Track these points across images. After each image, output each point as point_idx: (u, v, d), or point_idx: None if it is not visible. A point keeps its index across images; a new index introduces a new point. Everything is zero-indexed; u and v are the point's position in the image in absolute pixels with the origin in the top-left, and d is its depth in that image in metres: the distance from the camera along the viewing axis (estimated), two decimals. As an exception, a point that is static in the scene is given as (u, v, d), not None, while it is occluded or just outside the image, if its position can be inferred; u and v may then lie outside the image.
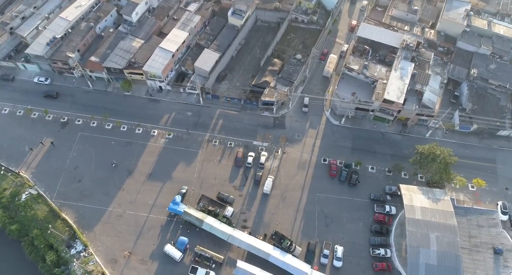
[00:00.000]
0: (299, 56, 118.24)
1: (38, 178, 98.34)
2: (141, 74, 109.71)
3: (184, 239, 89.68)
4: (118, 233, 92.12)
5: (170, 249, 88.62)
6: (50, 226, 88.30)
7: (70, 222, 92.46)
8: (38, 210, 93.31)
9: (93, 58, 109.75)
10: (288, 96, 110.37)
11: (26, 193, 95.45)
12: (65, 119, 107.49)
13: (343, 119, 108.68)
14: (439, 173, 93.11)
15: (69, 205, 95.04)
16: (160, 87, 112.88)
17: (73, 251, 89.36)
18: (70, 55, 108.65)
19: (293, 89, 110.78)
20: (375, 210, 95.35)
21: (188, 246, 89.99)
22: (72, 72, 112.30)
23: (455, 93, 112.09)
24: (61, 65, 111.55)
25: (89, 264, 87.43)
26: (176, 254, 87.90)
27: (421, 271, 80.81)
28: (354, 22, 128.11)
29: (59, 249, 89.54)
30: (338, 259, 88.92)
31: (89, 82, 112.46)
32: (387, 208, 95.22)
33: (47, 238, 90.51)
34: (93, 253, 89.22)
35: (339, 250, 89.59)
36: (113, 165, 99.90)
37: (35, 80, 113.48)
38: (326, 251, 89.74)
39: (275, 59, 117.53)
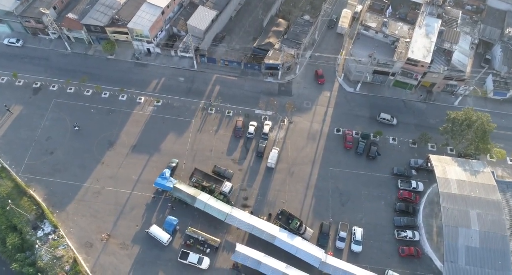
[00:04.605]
0: (307, 17, 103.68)
1: (3, 150, 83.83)
2: (126, 33, 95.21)
3: (173, 219, 75.18)
4: (95, 212, 77.66)
5: (156, 230, 74.15)
6: (10, 201, 73.43)
7: (38, 199, 77.99)
8: (1, 186, 78.72)
9: (70, 15, 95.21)
10: (295, 59, 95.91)
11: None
12: (38, 85, 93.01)
13: (359, 85, 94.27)
14: (475, 142, 78.77)
15: (38, 180, 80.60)
16: (148, 49, 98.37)
17: (40, 233, 74.83)
18: (44, 11, 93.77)
19: (301, 51, 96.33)
20: (399, 186, 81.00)
21: (178, 227, 75.59)
22: (47, 32, 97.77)
23: (486, 56, 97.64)
24: (35, 24, 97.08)
25: (59, 248, 72.90)
26: (164, 236, 73.48)
27: (461, 255, 66.30)
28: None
29: (23, 230, 75.13)
30: (357, 242, 74.49)
31: (67, 44, 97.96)
32: (413, 183, 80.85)
33: (10, 218, 76.07)
34: (64, 236, 74.73)
35: (358, 232, 75.15)
36: (76, 128, 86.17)
37: (5, 42, 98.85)
38: (342, 234, 75.28)
39: (280, 20, 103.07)
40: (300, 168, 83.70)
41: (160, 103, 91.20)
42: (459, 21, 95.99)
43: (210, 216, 75.37)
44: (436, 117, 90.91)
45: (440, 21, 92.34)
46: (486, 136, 78.59)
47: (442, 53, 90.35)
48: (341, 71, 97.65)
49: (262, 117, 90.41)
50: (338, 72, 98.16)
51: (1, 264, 75.78)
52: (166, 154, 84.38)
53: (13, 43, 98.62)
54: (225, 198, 78.23)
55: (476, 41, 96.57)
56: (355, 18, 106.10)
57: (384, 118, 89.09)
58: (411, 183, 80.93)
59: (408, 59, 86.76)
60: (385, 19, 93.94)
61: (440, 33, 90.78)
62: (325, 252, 72.54)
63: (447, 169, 75.39)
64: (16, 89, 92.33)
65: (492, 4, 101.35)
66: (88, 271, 71.57)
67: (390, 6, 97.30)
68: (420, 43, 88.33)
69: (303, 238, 74.01)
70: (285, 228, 74.61)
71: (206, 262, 71.74)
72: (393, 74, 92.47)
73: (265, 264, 69.22)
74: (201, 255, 72.28)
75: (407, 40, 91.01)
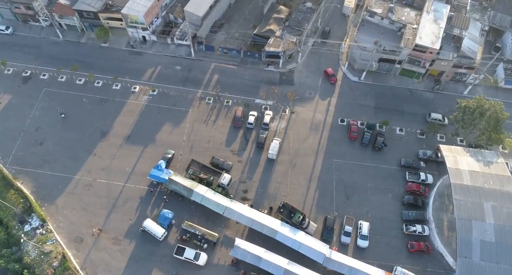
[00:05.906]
0: (309, 3, 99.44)
1: (-10, 140, 79.92)
2: (120, 19, 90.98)
3: (168, 212, 71.02)
4: (85, 206, 73.47)
5: (150, 225, 69.97)
6: (-5, 194, 69.48)
7: (26, 192, 73.73)
8: (-14, 178, 74.77)
9: (62, 1, 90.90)
10: (297, 47, 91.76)
11: (-27, 157, 76.94)
12: (28, 74, 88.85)
13: (364, 74, 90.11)
14: (487, 132, 74.65)
15: (27, 172, 76.40)
16: (144, 37, 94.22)
17: (27, 228, 70.58)
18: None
19: (303, 39, 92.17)
20: (407, 178, 76.91)
21: (173, 221, 71.45)
22: (38, 18, 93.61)
23: (497, 44, 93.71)
24: (25, 11, 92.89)
25: (47, 243, 68.63)
26: (158, 231, 69.29)
27: (475, 250, 62.11)
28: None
29: (9, 225, 70.93)
30: (364, 237, 70.31)
31: (58, 31, 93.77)
32: (422, 175, 76.70)
33: (-4, 211, 71.99)
34: (53, 230, 70.51)
35: (365, 226, 70.96)
36: (62, 115, 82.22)
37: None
38: (348, 228, 71.09)
39: (281, 6, 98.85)
40: (302, 160, 79.57)
41: (155, 93, 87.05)
42: (468, 7, 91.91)
43: (207, 210, 71.23)
44: (445, 107, 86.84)
45: (448, 6, 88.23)
46: (499, 126, 74.58)
47: (451, 39, 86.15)
48: (345, 60, 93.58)
49: (263, 107, 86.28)
50: (341, 61, 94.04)
51: (-14, 260, 71.51)
52: (161, 145, 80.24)
53: (3, 30, 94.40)
54: (224, 191, 74.10)
55: (486, 28, 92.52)
56: (358, 5, 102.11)
57: (436, 119, 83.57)
58: (419, 175, 76.84)
59: (416, 45, 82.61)
60: (391, 5, 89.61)
61: (449, 19, 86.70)
62: (329, 248, 68.30)
63: (458, 159, 71.28)
64: (5, 78, 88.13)
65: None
66: (78, 268, 67.37)
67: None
68: (428, 29, 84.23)
69: (306, 232, 69.83)
70: (287, 222, 70.42)
71: (203, 258, 67.54)
72: (399, 63, 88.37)
73: (266, 260, 65.08)
74: (198, 251, 68.09)
75: (415, 26, 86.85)
